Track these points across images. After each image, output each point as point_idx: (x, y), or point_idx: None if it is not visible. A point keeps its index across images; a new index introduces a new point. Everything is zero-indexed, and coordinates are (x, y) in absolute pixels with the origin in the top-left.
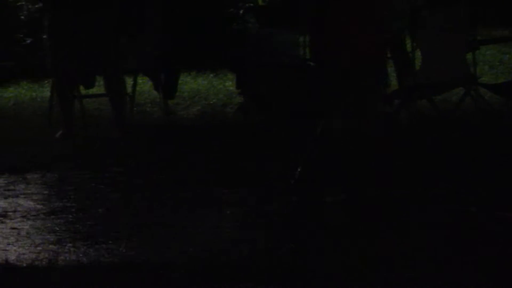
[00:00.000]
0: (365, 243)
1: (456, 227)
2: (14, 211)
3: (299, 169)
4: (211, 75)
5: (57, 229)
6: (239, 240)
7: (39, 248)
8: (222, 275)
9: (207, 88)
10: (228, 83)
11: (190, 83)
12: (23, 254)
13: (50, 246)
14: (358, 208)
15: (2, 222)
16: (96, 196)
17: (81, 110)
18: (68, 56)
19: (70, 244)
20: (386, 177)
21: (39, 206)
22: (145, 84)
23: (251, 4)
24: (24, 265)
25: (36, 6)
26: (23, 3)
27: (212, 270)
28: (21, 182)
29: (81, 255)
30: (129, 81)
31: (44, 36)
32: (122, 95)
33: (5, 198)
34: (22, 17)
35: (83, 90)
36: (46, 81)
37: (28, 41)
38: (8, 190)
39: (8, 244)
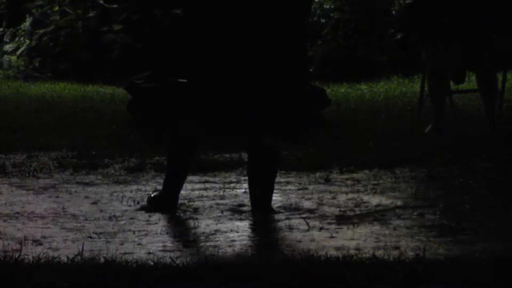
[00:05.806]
0: None
1: None
2: (391, 205)
3: None
4: None
5: (421, 225)
6: None
7: (400, 242)
8: None
9: None
10: None
11: None
12: (394, 247)
13: (416, 242)
14: None
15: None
16: (464, 192)
17: (450, 105)
18: (446, 50)
19: (433, 240)
20: None
21: (406, 201)
22: None
23: None
24: (391, 259)
25: (407, 1)
26: None
27: None
28: (389, 177)
29: (447, 250)
30: (499, 77)
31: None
32: (495, 91)
33: (374, 192)
34: (393, 12)
35: (453, 86)
36: (416, 76)
37: (399, 36)
38: (377, 184)
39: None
